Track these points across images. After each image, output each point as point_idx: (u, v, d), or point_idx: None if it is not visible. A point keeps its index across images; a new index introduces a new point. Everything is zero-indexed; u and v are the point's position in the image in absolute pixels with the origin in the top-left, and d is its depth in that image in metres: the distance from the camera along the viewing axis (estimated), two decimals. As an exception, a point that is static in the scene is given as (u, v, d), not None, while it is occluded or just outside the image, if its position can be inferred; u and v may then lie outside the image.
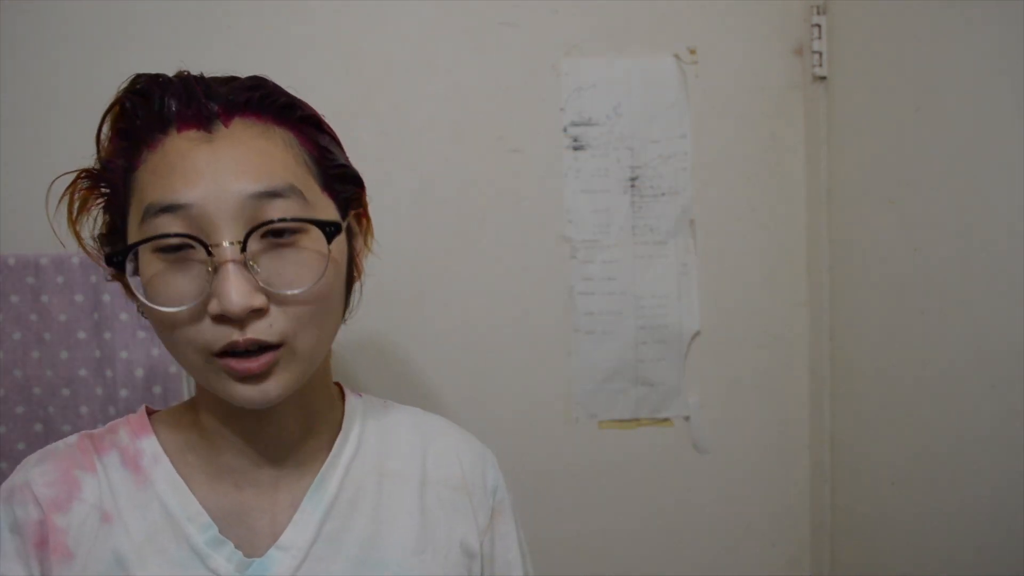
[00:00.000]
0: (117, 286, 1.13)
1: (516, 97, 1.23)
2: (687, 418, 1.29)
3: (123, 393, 1.11)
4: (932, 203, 1.03)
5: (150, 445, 0.64)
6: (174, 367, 1.10)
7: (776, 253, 1.30)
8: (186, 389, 1.10)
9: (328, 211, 0.62)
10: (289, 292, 0.57)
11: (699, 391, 1.30)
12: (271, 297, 0.57)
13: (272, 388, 0.59)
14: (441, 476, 0.72)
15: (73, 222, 0.61)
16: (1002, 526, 0.93)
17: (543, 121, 1.24)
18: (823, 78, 1.25)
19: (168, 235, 0.55)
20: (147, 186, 0.57)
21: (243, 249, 0.55)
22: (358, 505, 0.67)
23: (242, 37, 1.18)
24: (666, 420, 1.30)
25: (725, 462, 1.31)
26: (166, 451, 0.65)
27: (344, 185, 0.65)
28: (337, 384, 0.74)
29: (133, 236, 0.58)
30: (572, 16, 1.23)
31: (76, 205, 0.61)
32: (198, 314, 0.56)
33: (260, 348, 0.57)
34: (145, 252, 0.57)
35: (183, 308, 0.56)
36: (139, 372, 1.11)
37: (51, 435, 1.12)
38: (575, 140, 1.25)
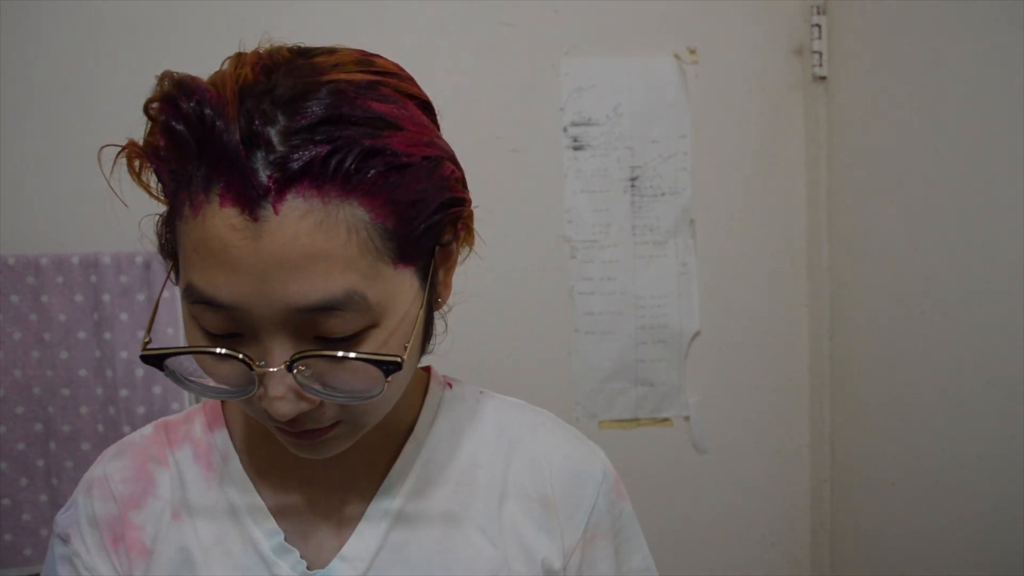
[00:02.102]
0: (117, 286, 1.14)
1: (516, 97, 1.23)
2: (687, 418, 1.29)
3: (123, 393, 1.11)
4: (932, 203, 1.03)
5: (222, 440, 0.61)
6: (174, 367, 1.10)
7: (776, 253, 1.30)
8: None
9: (402, 288, 0.52)
10: (339, 397, 0.50)
11: (699, 391, 1.30)
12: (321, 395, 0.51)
13: (327, 451, 0.55)
14: (524, 487, 0.63)
15: (138, 175, 0.52)
16: (1001, 525, 0.93)
17: (543, 121, 1.24)
18: (823, 78, 1.24)
19: (212, 351, 0.49)
20: (188, 257, 0.49)
21: (289, 370, 0.48)
22: (428, 515, 0.61)
23: (242, 38, 1.18)
24: (666, 420, 1.30)
25: (725, 462, 1.31)
26: (237, 446, 0.62)
27: (432, 235, 0.54)
28: (426, 369, 0.67)
29: (181, 287, 0.51)
30: (572, 16, 1.23)
31: (137, 163, 0.52)
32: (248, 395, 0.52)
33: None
34: (192, 325, 0.51)
35: (233, 395, 0.51)
36: (139, 372, 1.11)
37: (51, 435, 1.12)
38: (575, 140, 1.25)
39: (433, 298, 0.57)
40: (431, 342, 0.60)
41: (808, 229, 1.30)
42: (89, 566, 0.59)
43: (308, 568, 0.58)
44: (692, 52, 1.26)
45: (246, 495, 0.59)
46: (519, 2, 1.22)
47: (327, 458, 0.57)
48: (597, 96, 1.24)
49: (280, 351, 0.49)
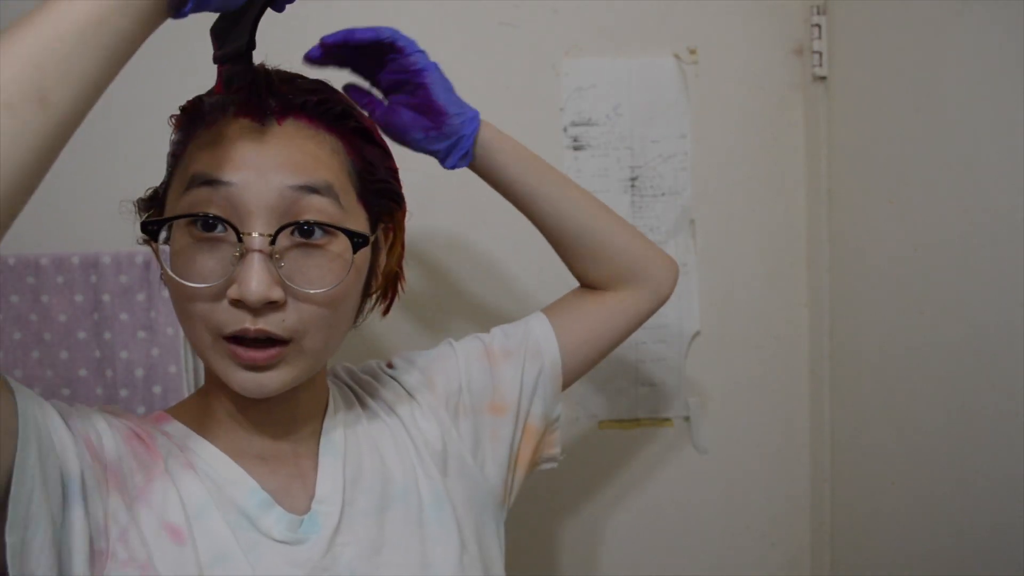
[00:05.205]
0: (117, 286, 1.14)
1: (516, 97, 1.23)
2: (687, 418, 1.29)
3: (123, 393, 1.11)
4: (932, 203, 1.03)
5: (175, 428, 0.66)
6: (174, 367, 1.10)
7: (776, 253, 1.30)
8: (186, 389, 1.10)
9: (359, 222, 0.64)
10: (308, 291, 0.59)
11: (699, 391, 1.30)
12: (289, 292, 0.59)
13: (270, 381, 0.61)
14: (393, 396, 0.78)
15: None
16: (1002, 526, 0.93)
17: (543, 121, 1.24)
18: (823, 78, 1.24)
19: (206, 216, 0.58)
20: (194, 159, 0.60)
21: (272, 242, 0.57)
22: (360, 445, 0.71)
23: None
24: (666, 420, 1.30)
25: (725, 462, 1.31)
26: (194, 431, 0.66)
27: (380, 199, 0.68)
28: None
29: (172, 205, 0.61)
30: (572, 16, 1.23)
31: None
32: (217, 294, 0.58)
33: (269, 340, 0.60)
34: (180, 225, 0.59)
35: (204, 285, 0.58)
36: (139, 372, 1.11)
37: (51, 435, 1.12)
38: (575, 140, 1.25)
39: (375, 263, 0.69)
40: (361, 317, 0.71)
41: (808, 229, 1.30)
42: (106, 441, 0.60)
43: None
44: (692, 52, 1.26)
45: (218, 462, 0.64)
46: (519, 2, 1.22)
47: (276, 435, 0.66)
48: (597, 96, 1.24)
49: (265, 228, 0.58)
